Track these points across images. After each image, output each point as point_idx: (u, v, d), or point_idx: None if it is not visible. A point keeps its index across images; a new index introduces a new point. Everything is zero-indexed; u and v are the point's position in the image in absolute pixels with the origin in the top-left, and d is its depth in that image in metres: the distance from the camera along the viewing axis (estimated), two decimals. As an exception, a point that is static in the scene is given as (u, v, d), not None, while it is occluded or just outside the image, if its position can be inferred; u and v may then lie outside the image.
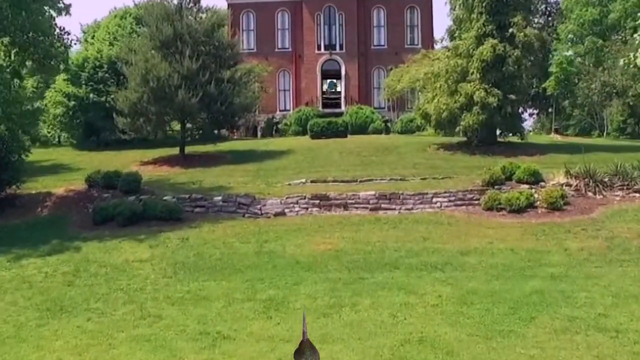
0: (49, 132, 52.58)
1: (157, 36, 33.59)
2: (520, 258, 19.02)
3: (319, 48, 54.63)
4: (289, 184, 28.37)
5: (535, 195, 25.82)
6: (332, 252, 19.71)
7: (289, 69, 54.98)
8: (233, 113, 34.46)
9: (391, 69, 50.42)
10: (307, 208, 25.72)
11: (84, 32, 44.50)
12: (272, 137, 48.50)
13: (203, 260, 19.48)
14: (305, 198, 25.99)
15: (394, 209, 25.57)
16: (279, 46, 55.15)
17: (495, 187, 26.62)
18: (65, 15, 40.55)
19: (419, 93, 50.87)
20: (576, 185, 26.79)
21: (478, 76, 32.74)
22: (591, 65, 49.86)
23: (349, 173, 29.64)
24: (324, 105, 54.43)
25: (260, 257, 19.58)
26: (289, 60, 54.86)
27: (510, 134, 35.13)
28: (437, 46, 50.21)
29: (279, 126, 49.75)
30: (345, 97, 54.22)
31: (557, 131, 52.64)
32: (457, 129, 33.01)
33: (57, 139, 52.08)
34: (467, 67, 33.41)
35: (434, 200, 25.93)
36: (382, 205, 25.64)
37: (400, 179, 28.55)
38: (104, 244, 22.10)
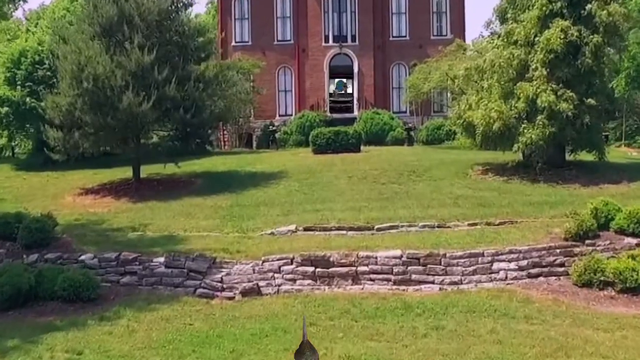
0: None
1: (96, 19, 24.39)
2: None
3: (326, 40, 45.18)
4: (272, 233, 19.06)
5: (654, 258, 16.51)
6: (328, 407, 10.35)
7: (291, 66, 45.59)
8: (203, 123, 25.14)
9: (414, 65, 41.16)
10: (294, 280, 16.42)
11: (27, 20, 35.66)
12: (269, 149, 39.24)
13: None
14: (292, 262, 16.70)
15: (433, 282, 16.22)
16: (279, 38, 45.75)
17: (587, 241, 17.35)
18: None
19: (450, 95, 41.49)
20: None
21: (544, 72, 23.21)
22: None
23: (361, 214, 20.27)
24: (333, 110, 45.06)
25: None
26: (291, 54, 45.46)
27: (583, 152, 25.53)
28: (470, 37, 40.53)
29: (277, 135, 40.42)
30: (358, 100, 44.80)
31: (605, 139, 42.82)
32: (515, 146, 23.46)
33: (10, 152, 43.16)
34: (526, 60, 23.93)
35: (494, 265, 16.58)
36: (413, 277, 16.29)
37: (438, 225, 19.17)
38: (-60, 360, 12.92)
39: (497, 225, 19.17)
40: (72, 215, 22.09)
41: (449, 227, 19.06)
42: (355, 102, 45.00)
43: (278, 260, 16.71)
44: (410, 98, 39.71)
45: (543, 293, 15.46)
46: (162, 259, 17.17)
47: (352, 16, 45.31)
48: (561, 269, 16.53)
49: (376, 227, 19.01)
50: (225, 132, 44.45)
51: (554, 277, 16.33)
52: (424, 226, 19.01)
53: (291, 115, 44.48)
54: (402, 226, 19.06)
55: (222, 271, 16.64)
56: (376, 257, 16.58)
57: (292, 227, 19.20)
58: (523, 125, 23.37)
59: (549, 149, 23.64)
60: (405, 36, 45.66)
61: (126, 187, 25.84)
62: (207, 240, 18.58)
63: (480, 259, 16.60)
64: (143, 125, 24.08)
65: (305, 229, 19.13)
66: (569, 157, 25.78)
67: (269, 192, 23.81)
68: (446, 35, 44.57)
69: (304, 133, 39.39)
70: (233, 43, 45.12)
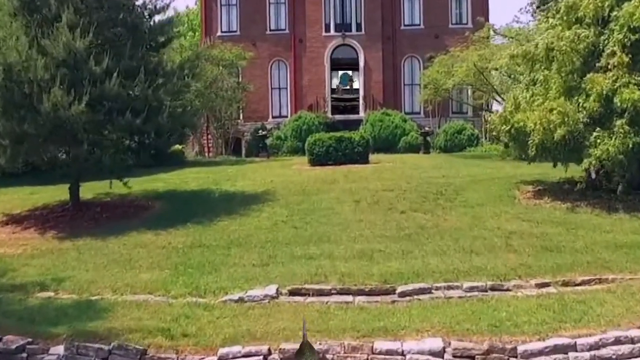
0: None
1: (14, -9, 18.15)
2: None
3: (327, 29, 38.93)
4: (241, 299, 12.64)
5: None
6: None
7: (286, 59, 39.33)
8: (159, 129, 18.75)
9: (430, 58, 34.90)
10: (269, 396, 10.00)
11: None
12: (259, 157, 32.88)
13: None
14: (266, 361, 10.30)
15: (500, 402, 9.78)
16: (272, 27, 39.49)
17: None
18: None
19: (472, 92, 35.20)
20: None
21: (624, 59, 16.76)
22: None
23: (375, 265, 13.90)
24: (335, 110, 38.78)
25: None
26: (286, 46, 39.19)
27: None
28: (497, 24, 33.99)
29: (268, 141, 34.05)
30: (364, 98, 38.49)
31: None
32: (586, 162, 17.00)
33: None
34: (597, 43, 17.55)
35: (598, 369, 10.12)
36: (467, 392, 9.86)
37: (492, 287, 12.76)
38: None
39: (579, 285, 12.83)
40: (-28, 258, 15.86)
41: (508, 289, 12.67)
42: (361, 101, 38.64)
43: (244, 357, 10.33)
44: (427, 97, 33.30)
45: None
46: (61, 350, 10.84)
47: (357, 1, 39.04)
48: None
49: (398, 289, 12.62)
50: (209, 136, 38.18)
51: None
52: (471, 288, 12.60)
53: (286, 116, 38.30)
54: (438, 288, 12.66)
55: (153, 375, 10.28)
56: (403, 352, 10.22)
57: (272, 289, 12.78)
58: (595, 133, 16.93)
59: (631, 165, 17.18)
60: (418, 25, 39.40)
61: (60, 213, 19.59)
62: (141, 311, 12.21)
63: (572, 355, 10.20)
64: (76, 133, 17.67)
65: (292, 293, 12.74)
66: None
67: (246, 224, 17.45)
68: (467, 23, 38.36)
69: (300, 138, 33.21)
70: (219, 33, 38.93)
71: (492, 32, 29.86)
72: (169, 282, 13.62)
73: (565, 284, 12.85)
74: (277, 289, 12.77)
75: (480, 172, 23.10)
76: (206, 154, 37.72)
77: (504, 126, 18.47)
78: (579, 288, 12.66)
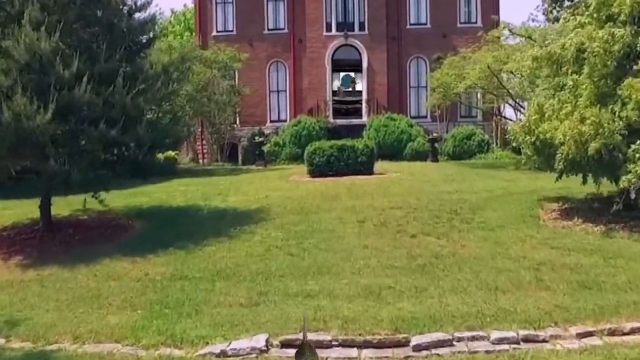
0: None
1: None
2: None
3: (328, 28, 36.95)
4: (224, 353, 10.51)
5: None
6: None
7: (285, 60, 37.36)
8: (140, 142, 16.67)
9: (438, 59, 32.93)
10: None
11: None
12: (255, 165, 30.85)
13: None
14: None
15: None
16: (270, 26, 37.51)
17: None
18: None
19: (481, 96, 33.11)
20: None
21: (667, 62, 14.73)
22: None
23: (384, 306, 11.76)
24: (336, 113, 36.79)
25: None
26: (285, 46, 37.22)
27: None
28: (509, 22, 31.59)
29: (265, 148, 32.00)
30: (367, 101, 36.44)
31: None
32: (624, 179, 14.88)
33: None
34: (635, 44, 15.46)
35: None
36: None
37: (524, 338, 10.58)
38: None
39: (628, 334, 10.70)
40: None
41: (544, 340, 10.52)
42: (364, 104, 36.60)
43: None
44: (436, 101, 31.24)
45: None
46: None
47: (360, 0, 36.98)
48: None
49: (413, 341, 10.48)
50: (203, 142, 36.20)
51: None
52: (500, 340, 10.45)
53: (285, 121, 36.35)
54: (460, 339, 10.53)
55: None
56: None
57: (261, 339, 10.66)
58: (634, 146, 14.83)
59: (673, 183, 15.05)
60: (425, 24, 37.38)
61: (29, 235, 17.50)
62: (105, 368, 10.13)
63: None
64: (43, 145, 15.60)
65: (284, 344, 10.61)
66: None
67: (235, 249, 15.36)
68: (476, 22, 36.35)
69: (299, 145, 31.28)
70: (214, 33, 36.94)
71: (507, 32, 27.80)
72: (140, 327, 11.50)
73: (612, 332, 10.72)
74: (267, 340, 10.65)
75: (496, 185, 21.08)
76: (200, 161, 35.77)
77: (528, 137, 16.36)
78: (628, 338, 10.54)
